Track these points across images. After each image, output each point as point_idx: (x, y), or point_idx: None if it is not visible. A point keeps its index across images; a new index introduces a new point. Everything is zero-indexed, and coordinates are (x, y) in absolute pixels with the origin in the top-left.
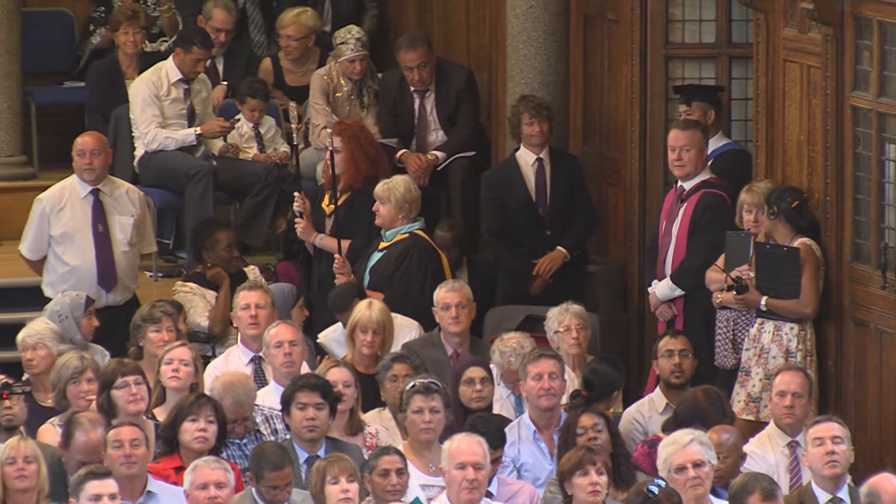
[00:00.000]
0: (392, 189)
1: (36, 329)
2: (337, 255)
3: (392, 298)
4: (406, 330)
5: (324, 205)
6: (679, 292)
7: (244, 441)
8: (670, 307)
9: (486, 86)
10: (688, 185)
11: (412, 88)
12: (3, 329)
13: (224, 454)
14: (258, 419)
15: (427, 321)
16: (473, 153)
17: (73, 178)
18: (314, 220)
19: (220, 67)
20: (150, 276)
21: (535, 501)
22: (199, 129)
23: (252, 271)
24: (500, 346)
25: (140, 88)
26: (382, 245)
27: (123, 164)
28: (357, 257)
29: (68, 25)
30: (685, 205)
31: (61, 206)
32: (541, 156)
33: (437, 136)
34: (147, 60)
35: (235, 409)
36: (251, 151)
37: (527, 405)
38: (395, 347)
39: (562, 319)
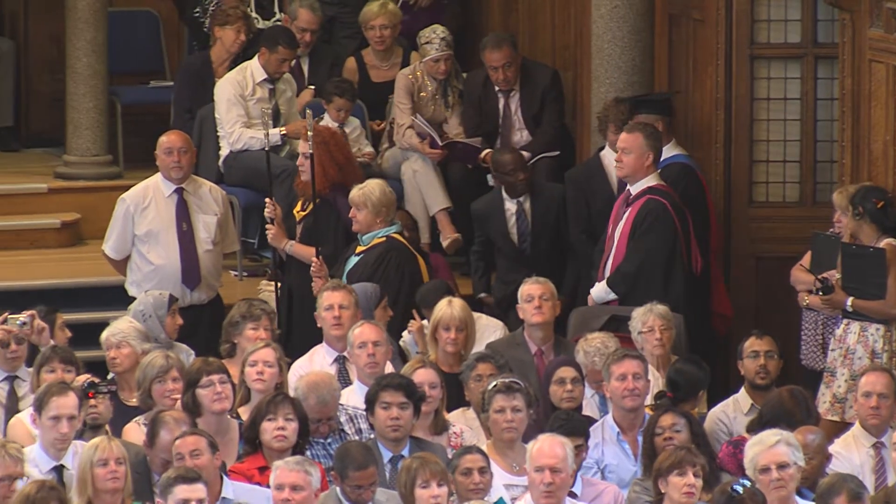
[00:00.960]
0: (368, 194)
1: (120, 328)
2: (314, 259)
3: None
4: (490, 329)
5: (295, 211)
6: (613, 296)
7: (328, 440)
8: None
9: (571, 85)
10: (634, 190)
11: (497, 88)
12: (88, 328)
13: (308, 453)
14: (342, 419)
15: (406, 324)
16: (558, 153)
17: (157, 177)
18: (287, 227)
19: (306, 67)
20: (235, 276)
21: (619, 502)
22: (283, 130)
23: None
24: (585, 345)
25: (225, 88)
26: (359, 249)
27: (208, 164)
28: (328, 265)
29: (154, 25)
30: (630, 209)
31: (145, 205)
32: None
33: (521, 135)
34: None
35: (320, 409)
36: None
37: (611, 406)
38: (480, 347)
39: (645, 320)
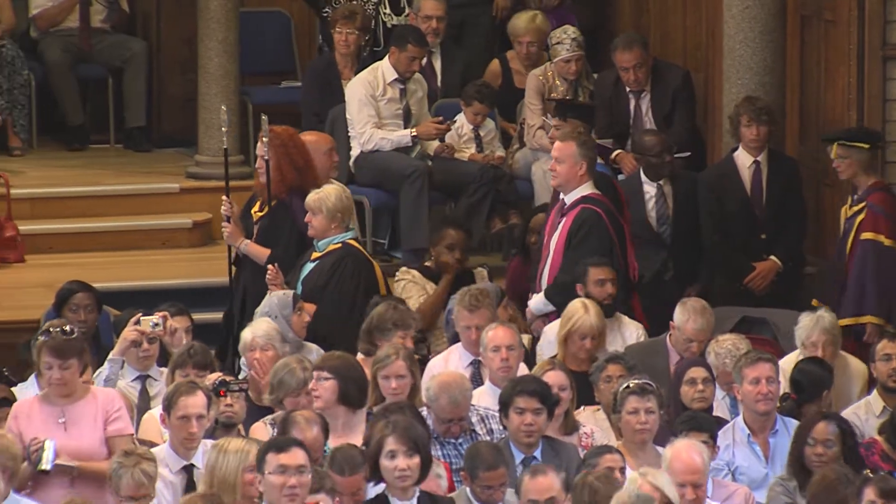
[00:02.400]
0: (323, 199)
1: (264, 330)
2: (270, 267)
3: (325, 309)
4: (632, 328)
5: (253, 211)
6: (552, 308)
7: (460, 440)
8: (544, 323)
9: (702, 86)
10: (569, 199)
11: (628, 89)
12: (217, 328)
13: (440, 453)
14: (473, 419)
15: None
16: (689, 154)
17: None
18: (245, 227)
19: (438, 66)
20: None
21: (750, 503)
22: (414, 131)
23: (480, 273)
24: (716, 347)
25: (356, 88)
26: (315, 255)
27: (340, 164)
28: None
29: (285, 25)
30: (564, 219)
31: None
32: (758, 158)
33: (640, 133)
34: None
35: (451, 409)
36: (469, 152)
37: (741, 408)
38: (619, 347)
39: (810, 335)
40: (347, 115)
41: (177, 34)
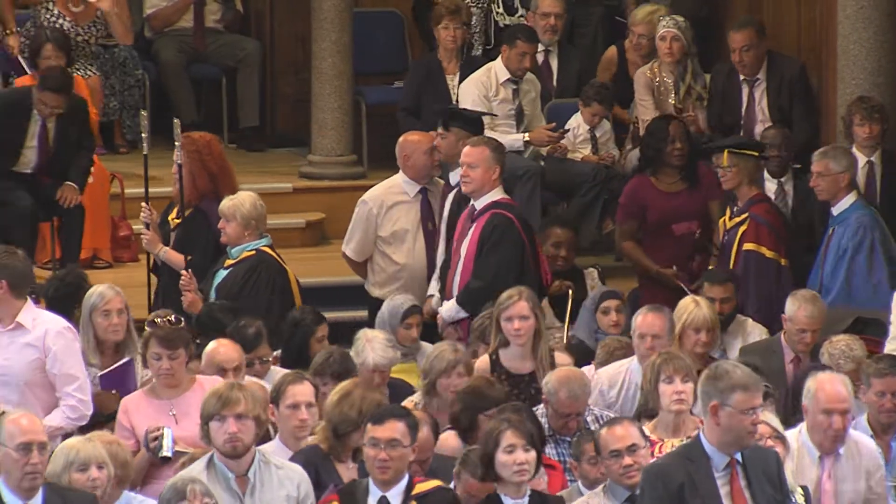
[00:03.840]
0: (237, 206)
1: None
2: (184, 272)
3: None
4: (756, 332)
5: (170, 218)
6: (464, 314)
7: (574, 439)
8: (456, 330)
9: (816, 87)
10: (479, 205)
11: (741, 77)
12: (331, 327)
13: (553, 451)
14: (588, 419)
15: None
16: (799, 166)
17: (399, 178)
18: (163, 233)
19: (554, 65)
20: None
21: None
22: (527, 136)
23: (591, 274)
24: (829, 348)
25: (469, 89)
26: (228, 262)
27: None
28: (196, 275)
29: (398, 25)
30: (475, 225)
31: (390, 205)
32: (872, 158)
33: (764, 128)
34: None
35: (570, 403)
36: (584, 152)
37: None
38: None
39: None
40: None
41: (290, 34)
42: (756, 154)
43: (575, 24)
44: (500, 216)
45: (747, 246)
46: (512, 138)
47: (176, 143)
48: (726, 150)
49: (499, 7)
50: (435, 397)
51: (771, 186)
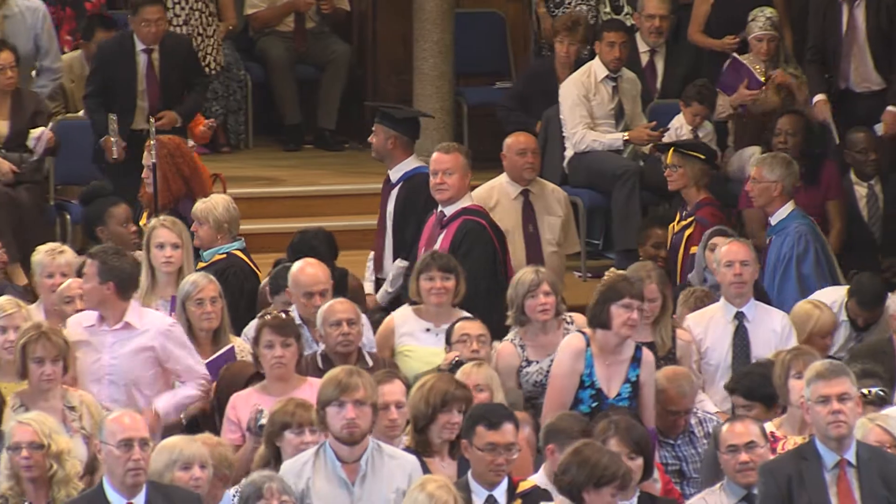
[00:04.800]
0: (210, 209)
1: None
2: None
3: None
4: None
5: (141, 223)
6: None
7: (678, 441)
8: None
9: None
10: (448, 211)
11: None
12: None
13: (656, 455)
14: (692, 421)
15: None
16: None
17: (503, 178)
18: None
19: (660, 66)
20: (579, 277)
21: None
22: (627, 136)
23: None
24: None
25: (569, 89)
26: (199, 265)
27: (553, 165)
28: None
29: (500, 26)
30: (445, 231)
31: (491, 206)
32: None
33: (863, 62)
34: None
35: (678, 400)
36: None
37: None
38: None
39: None
40: (561, 116)
41: (392, 34)
42: (703, 158)
43: (681, 24)
44: (472, 222)
45: (694, 250)
46: (611, 137)
47: (151, 143)
48: (671, 149)
49: (606, 7)
50: (526, 322)
51: (861, 191)
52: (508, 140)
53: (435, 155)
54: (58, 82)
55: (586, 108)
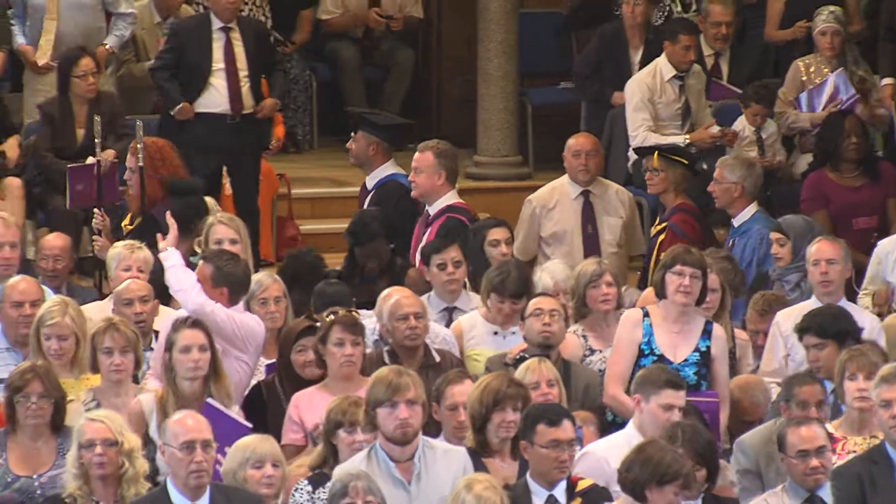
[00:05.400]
0: None
1: (565, 274)
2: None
3: None
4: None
5: (123, 224)
6: None
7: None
8: None
9: None
10: (432, 210)
11: None
12: None
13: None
14: None
15: None
16: None
17: (564, 179)
18: (116, 240)
19: (725, 68)
20: None
21: None
22: (688, 138)
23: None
24: None
25: (634, 90)
26: None
27: (618, 166)
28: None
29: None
30: (429, 229)
31: (551, 206)
32: None
33: None
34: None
35: (752, 410)
36: (751, 154)
37: None
38: None
39: None
40: (626, 115)
41: (456, 35)
42: (686, 163)
43: (748, 24)
44: (454, 220)
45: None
46: (674, 140)
47: (138, 146)
48: (656, 153)
49: (677, 6)
50: (588, 314)
51: None
52: (569, 141)
53: (416, 154)
54: (134, 26)
55: (649, 110)
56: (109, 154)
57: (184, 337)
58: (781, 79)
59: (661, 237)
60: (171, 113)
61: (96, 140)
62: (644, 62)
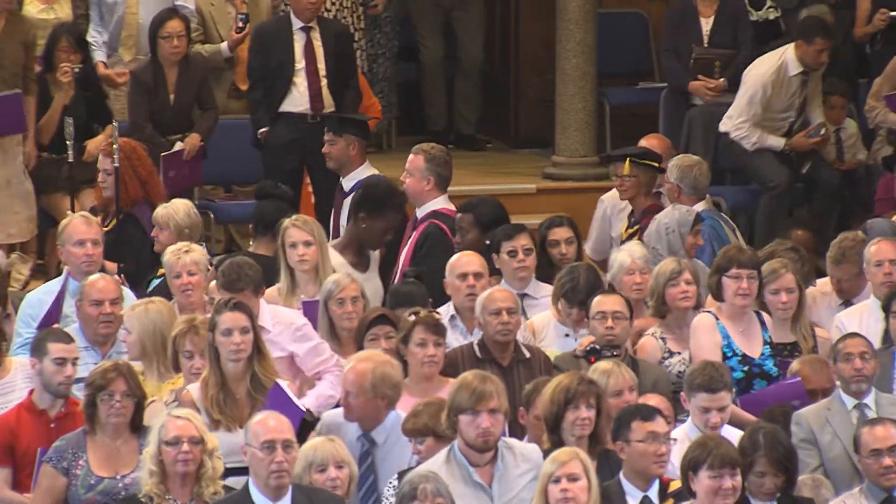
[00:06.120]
0: (171, 214)
1: (641, 252)
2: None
3: None
4: None
5: None
6: None
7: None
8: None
9: None
10: (420, 213)
11: None
12: None
13: None
14: None
15: None
16: None
17: None
18: None
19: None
20: None
21: None
22: (790, 144)
23: None
24: None
25: (755, 83)
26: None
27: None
28: (132, 282)
29: (642, 27)
30: (415, 233)
31: (623, 206)
32: None
33: None
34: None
35: (821, 387)
36: (829, 156)
37: None
38: None
39: None
40: (737, 101)
41: (534, 35)
42: (656, 165)
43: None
44: (434, 226)
45: None
46: (772, 141)
47: (114, 147)
48: (628, 159)
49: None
50: (667, 313)
51: None
52: (643, 142)
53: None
54: (195, 19)
55: (763, 107)
56: (195, 139)
57: (225, 320)
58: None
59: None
60: (258, 134)
61: (68, 142)
62: (714, 30)
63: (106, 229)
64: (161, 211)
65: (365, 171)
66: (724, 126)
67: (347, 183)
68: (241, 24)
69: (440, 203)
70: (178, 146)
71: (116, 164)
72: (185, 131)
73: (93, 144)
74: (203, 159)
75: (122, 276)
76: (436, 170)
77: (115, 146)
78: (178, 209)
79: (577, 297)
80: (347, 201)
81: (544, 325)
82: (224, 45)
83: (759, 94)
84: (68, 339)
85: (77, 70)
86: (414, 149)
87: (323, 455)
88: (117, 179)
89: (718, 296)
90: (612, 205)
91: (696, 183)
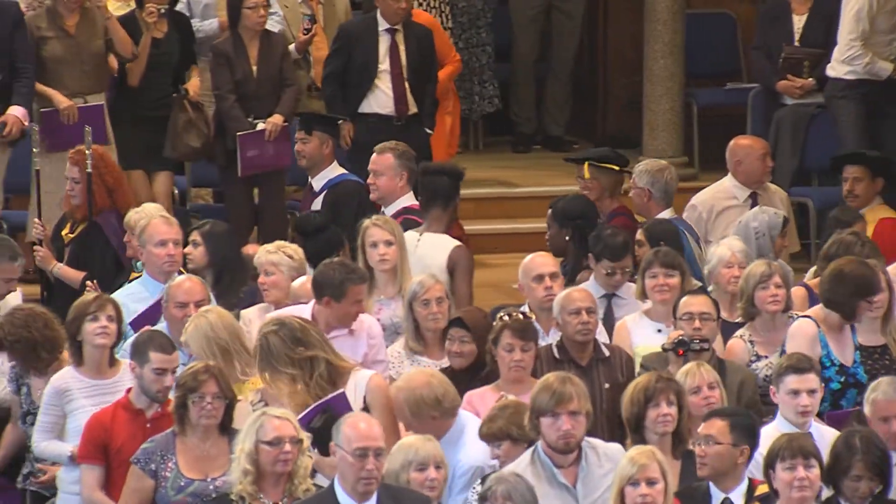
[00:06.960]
0: (143, 219)
1: (741, 247)
2: (89, 283)
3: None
4: None
5: (63, 233)
6: None
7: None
8: None
9: None
10: (389, 212)
11: None
12: None
13: None
14: None
15: None
16: None
17: (728, 181)
18: (56, 249)
19: None
20: None
21: None
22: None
23: None
24: None
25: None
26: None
27: (783, 167)
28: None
29: (730, 27)
30: None
31: (719, 210)
32: None
33: None
34: None
35: (887, 406)
36: None
37: None
38: None
39: None
40: (842, 19)
41: (623, 36)
42: (617, 168)
43: None
44: (411, 222)
45: None
46: (882, 66)
47: (87, 153)
48: (587, 163)
49: None
50: (756, 315)
51: None
52: (744, 142)
53: (373, 155)
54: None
55: (869, 22)
56: (278, 119)
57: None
58: None
59: None
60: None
61: (34, 149)
62: (806, 27)
63: (72, 235)
64: (133, 216)
65: (335, 170)
66: (833, 61)
67: (318, 182)
68: (307, 25)
69: (409, 199)
70: (259, 126)
71: (89, 171)
72: (270, 105)
73: (192, 87)
74: (288, 141)
75: (94, 282)
76: (407, 164)
77: (87, 152)
78: (150, 214)
79: (660, 261)
80: (318, 201)
81: (636, 323)
82: (292, 46)
83: (864, 7)
84: (170, 347)
85: (163, 11)
86: (377, 148)
87: (425, 454)
88: (89, 186)
89: (850, 315)
90: (706, 209)
91: (666, 187)
